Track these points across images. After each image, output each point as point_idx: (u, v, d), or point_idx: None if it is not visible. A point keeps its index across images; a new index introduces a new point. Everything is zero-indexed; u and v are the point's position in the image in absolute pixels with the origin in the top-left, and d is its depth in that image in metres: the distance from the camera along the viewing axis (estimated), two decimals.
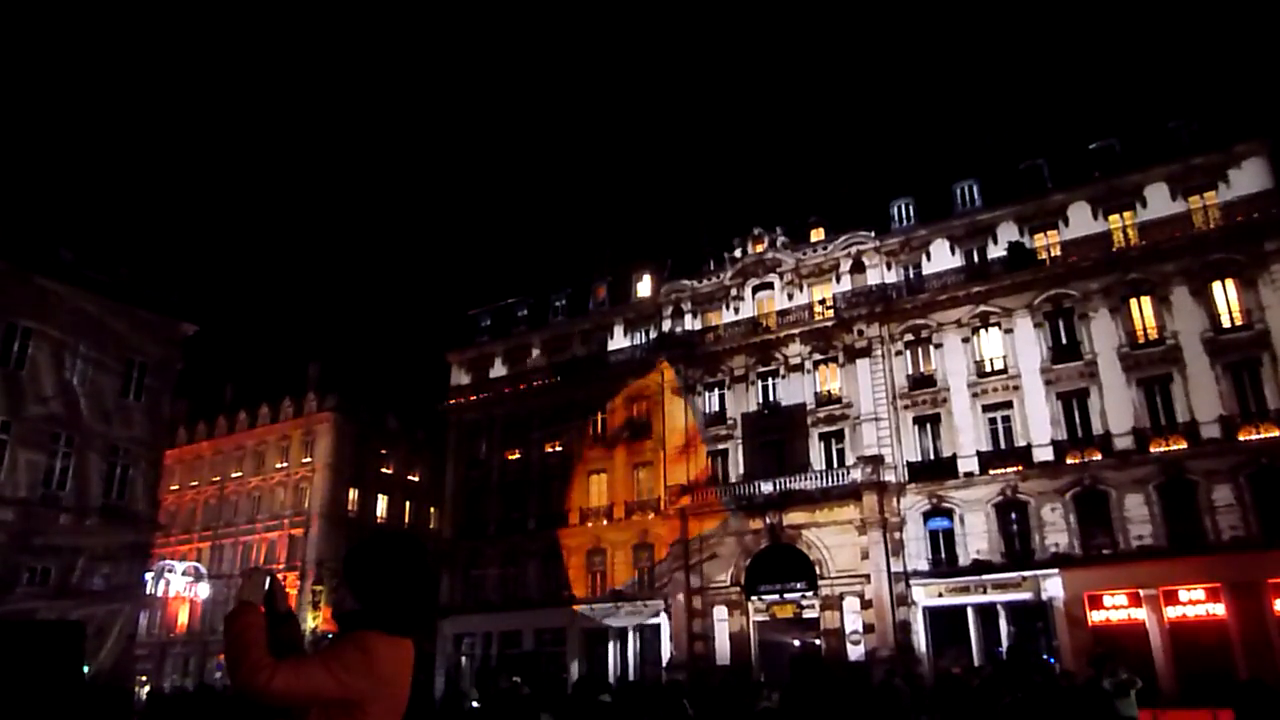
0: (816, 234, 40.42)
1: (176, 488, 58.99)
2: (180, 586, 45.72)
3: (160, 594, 44.81)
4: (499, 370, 47.65)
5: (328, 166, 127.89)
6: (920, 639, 32.11)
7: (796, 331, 38.08)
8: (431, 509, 56.97)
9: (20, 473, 30.34)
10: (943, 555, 32.92)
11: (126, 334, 34.36)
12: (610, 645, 38.65)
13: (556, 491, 43.14)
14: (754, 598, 35.60)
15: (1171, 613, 28.57)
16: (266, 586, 2.61)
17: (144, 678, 49.07)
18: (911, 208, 38.98)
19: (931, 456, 34.32)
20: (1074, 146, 36.00)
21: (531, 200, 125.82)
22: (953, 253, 36.48)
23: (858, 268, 38.04)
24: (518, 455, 45.10)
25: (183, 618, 54.31)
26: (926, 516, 33.49)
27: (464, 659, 42.10)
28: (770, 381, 38.48)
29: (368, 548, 2.81)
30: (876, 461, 34.02)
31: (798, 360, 37.86)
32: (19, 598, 28.34)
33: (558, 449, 43.87)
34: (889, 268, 37.68)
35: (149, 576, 38.33)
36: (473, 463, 46.48)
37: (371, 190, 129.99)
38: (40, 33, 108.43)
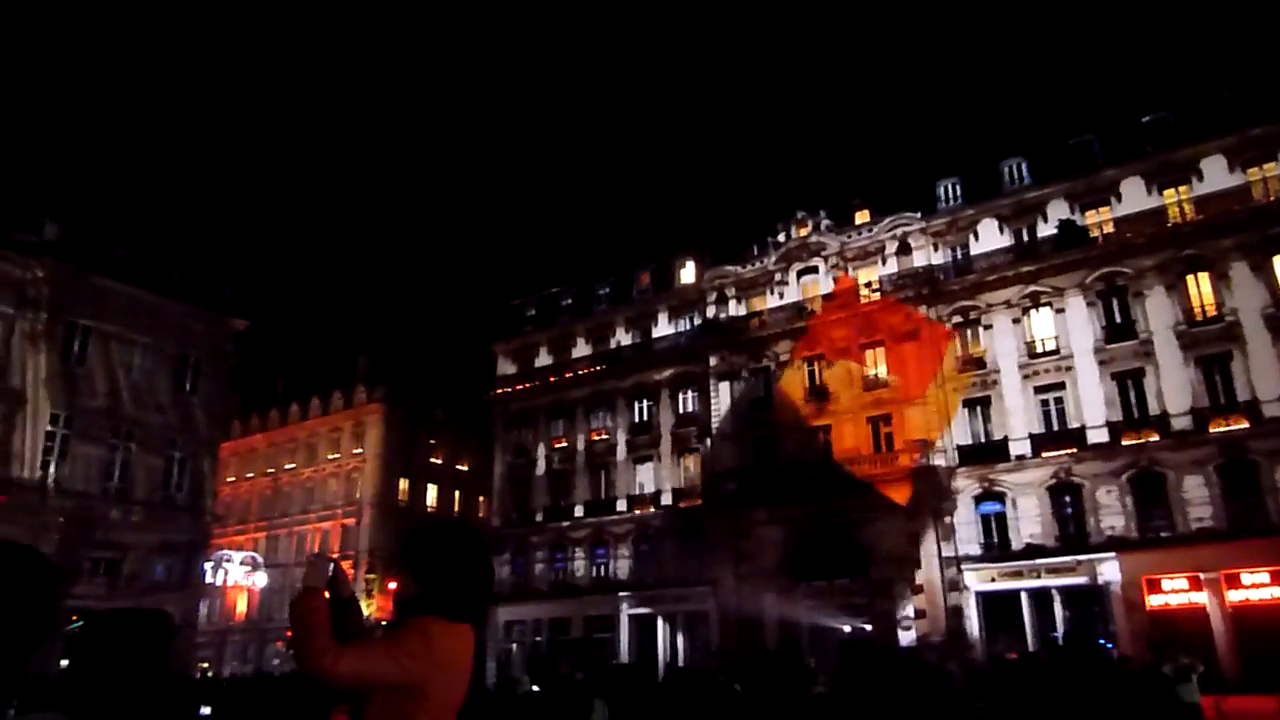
0: (861, 216, 39.99)
1: (232, 479, 60.23)
2: (238, 576, 46.74)
3: (219, 583, 45.86)
4: (544, 360, 47.89)
5: (374, 162, 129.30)
6: (973, 624, 31.75)
7: (842, 315, 37.75)
8: (480, 498, 57.57)
9: (80, 466, 31.21)
10: (995, 540, 32.50)
11: (180, 330, 35.15)
12: (659, 632, 38.80)
13: (603, 479, 43.34)
14: (802, 584, 35.45)
15: (1233, 596, 27.89)
16: (330, 572, 2.63)
17: (205, 665, 50.34)
18: (958, 187, 38.39)
19: (982, 440, 33.84)
20: (1125, 121, 35.15)
21: (574, 190, 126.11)
22: (1001, 232, 35.87)
23: (904, 249, 37.59)
24: (564, 444, 45.34)
25: (241, 606, 55.53)
26: (977, 500, 33.06)
27: (514, 646, 42.54)
28: (816, 366, 38.18)
29: (427, 534, 2.82)
30: (925, 445, 33.64)
31: (844, 344, 37.53)
32: (81, 590, 29.13)
33: (604, 437, 44.05)
34: (935, 249, 37.17)
35: (207, 566, 39.23)
36: (519, 451, 46.83)
37: (416, 184, 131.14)
38: (95, 37, 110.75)
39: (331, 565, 2.65)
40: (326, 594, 2.60)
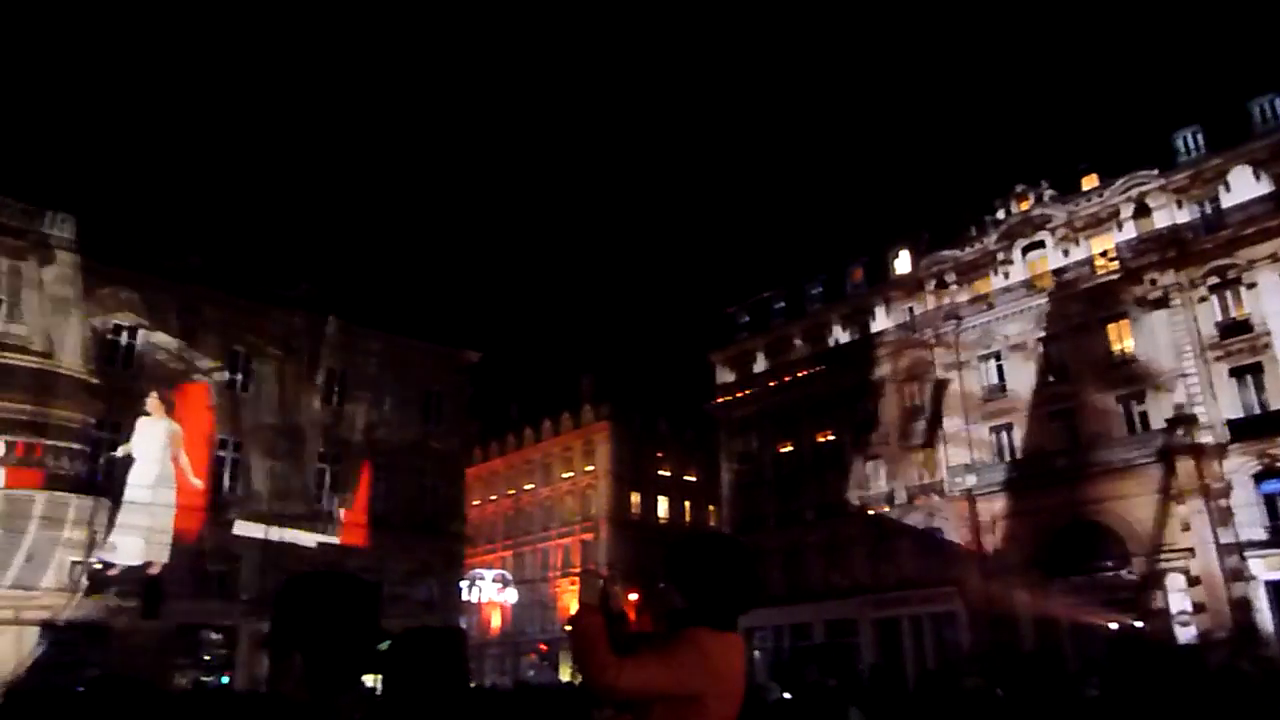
0: (1089, 181, 37.13)
1: (478, 502, 63.99)
2: (491, 593, 49.68)
3: (474, 600, 48.84)
4: (761, 365, 47.74)
5: (588, 190, 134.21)
6: (1264, 618, 28.50)
7: (1077, 290, 35.18)
8: (709, 507, 58.04)
9: (344, 497, 34.43)
10: None
11: (422, 367, 38.08)
12: (904, 635, 37.53)
13: (833, 481, 42.54)
14: (1057, 579, 33.19)
15: None
16: (601, 588, 2.73)
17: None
18: (1200, 136, 34.83)
19: (1256, 410, 30.37)
20: None
21: (779, 191, 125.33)
22: (1257, 179, 32.13)
23: (1142, 211, 34.56)
24: (789, 447, 44.93)
25: (495, 621, 58.79)
26: (1258, 479, 29.67)
27: (756, 653, 42.43)
28: (1054, 346, 35.78)
29: (690, 546, 2.86)
30: (1188, 422, 30.66)
31: (1081, 321, 34.95)
32: None
33: (829, 438, 43.28)
34: (1179, 206, 33.89)
35: (464, 585, 41.94)
36: (745, 458, 46.84)
37: (627, 207, 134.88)
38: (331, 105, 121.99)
39: (601, 582, 2.74)
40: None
